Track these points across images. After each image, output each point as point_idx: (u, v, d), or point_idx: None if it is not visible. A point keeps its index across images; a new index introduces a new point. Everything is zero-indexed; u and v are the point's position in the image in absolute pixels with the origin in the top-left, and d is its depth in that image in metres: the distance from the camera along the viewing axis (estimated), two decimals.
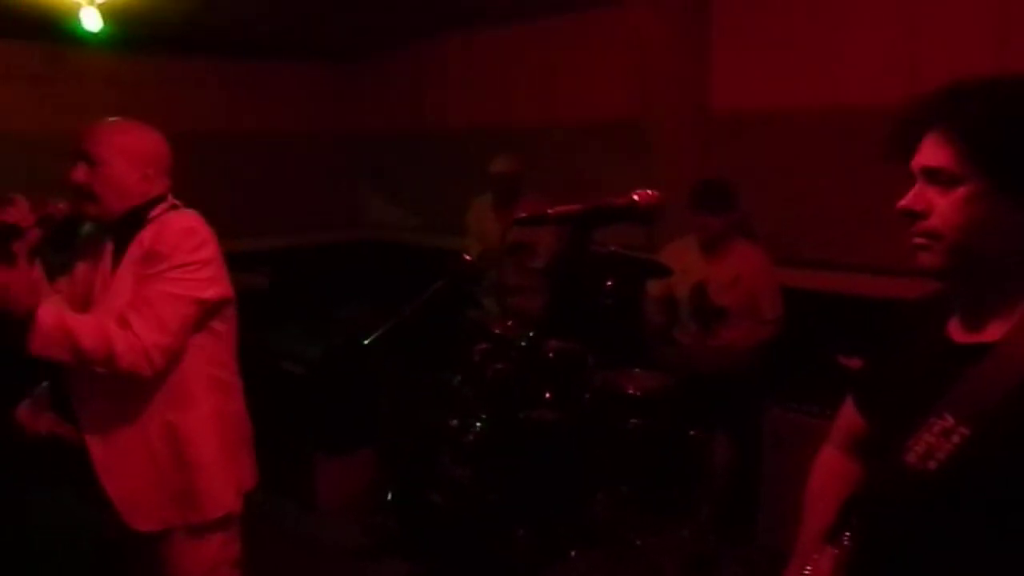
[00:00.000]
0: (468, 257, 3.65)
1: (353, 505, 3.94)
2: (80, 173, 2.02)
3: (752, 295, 3.54)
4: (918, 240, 1.21)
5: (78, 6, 4.12)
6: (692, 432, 3.42)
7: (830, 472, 1.54)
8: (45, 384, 2.18)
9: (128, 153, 2.05)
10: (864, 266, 3.66)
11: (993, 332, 1.21)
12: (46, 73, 5.01)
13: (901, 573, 1.23)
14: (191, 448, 2.07)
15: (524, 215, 1.32)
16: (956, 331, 1.28)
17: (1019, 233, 1.15)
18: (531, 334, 3.33)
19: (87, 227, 2.21)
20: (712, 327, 3.54)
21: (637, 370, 3.57)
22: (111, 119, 2.11)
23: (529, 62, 5.25)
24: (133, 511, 2.05)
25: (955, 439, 1.15)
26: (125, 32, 4.63)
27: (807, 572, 1.39)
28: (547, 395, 3.31)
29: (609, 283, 3.23)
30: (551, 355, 3.36)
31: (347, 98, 6.53)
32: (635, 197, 1.32)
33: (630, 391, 3.40)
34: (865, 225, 3.57)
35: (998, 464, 1.12)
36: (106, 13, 4.19)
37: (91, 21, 4.18)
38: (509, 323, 3.63)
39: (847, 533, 1.31)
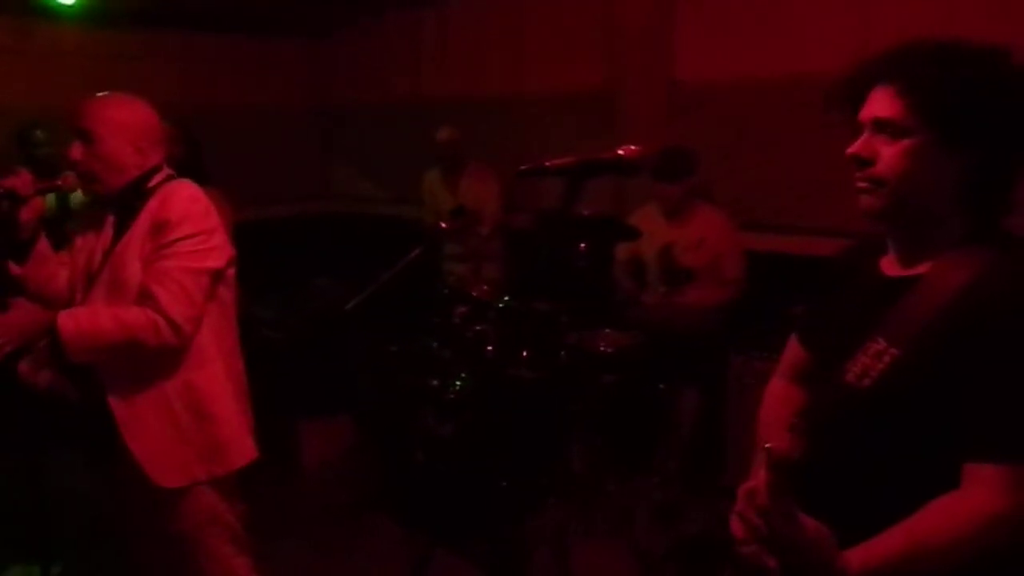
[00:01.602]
0: (444, 225, 3.80)
1: (336, 466, 4.06)
2: (76, 151, 2.07)
3: (716, 256, 3.71)
4: (862, 184, 1.32)
5: None
6: (661, 386, 3.59)
7: (778, 399, 1.66)
8: (44, 343, 2.28)
9: (122, 128, 2.09)
10: (819, 229, 3.79)
11: (923, 267, 1.33)
12: (15, 46, 4.97)
13: (840, 481, 1.32)
14: (210, 403, 2.15)
15: (526, 167, 1.46)
16: (889, 267, 1.40)
17: (952, 182, 1.28)
18: (507, 297, 3.49)
19: (73, 200, 2.26)
20: (679, 287, 3.72)
21: (609, 329, 3.72)
22: (101, 94, 2.15)
23: (500, 34, 5.33)
24: (157, 468, 2.10)
25: (886, 359, 1.28)
26: (96, 5, 4.62)
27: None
28: (524, 354, 3.45)
29: (582, 245, 3.37)
30: (527, 316, 3.49)
31: (320, 71, 6.54)
32: (620, 152, 1.46)
33: (602, 349, 3.55)
34: (821, 190, 3.74)
35: (923, 381, 1.24)
36: None
37: None
38: (485, 287, 3.76)
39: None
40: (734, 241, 3.77)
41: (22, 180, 2.09)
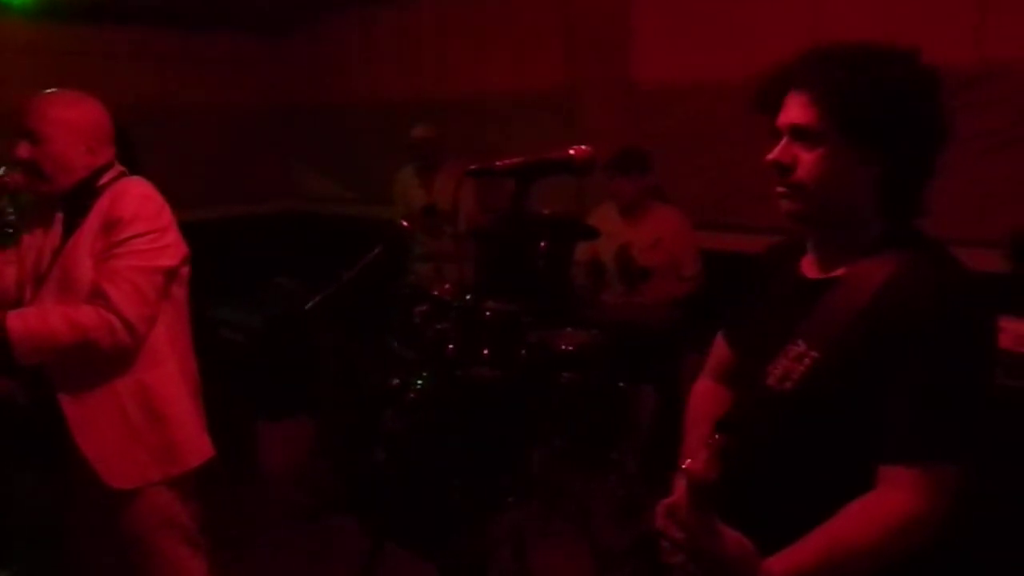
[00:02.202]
0: (406, 224, 3.78)
1: (296, 468, 4.03)
2: (23, 150, 2.03)
3: (672, 255, 3.77)
4: (781, 190, 1.34)
5: None
6: (620, 384, 3.62)
7: (704, 399, 1.68)
8: None
9: (70, 127, 2.05)
10: (775, 228, 3.87)
11: (841, 270, 1.35)
12: None
13: (762, 486, 1.33)
14: (163, 403, 2.13)
15: (473, 168, 1.47)
16: (809, 269, 1.42)
17: (868, 186, 1.30)
18: (467, 296, 3.49)
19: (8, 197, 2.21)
20: (636, 286, 3.77)
21: (569, 328, 3.75)
22: (49, 91, 2.10)
23: (460, 33, 5.34)
24: (110, 469, 2.08)
25: (807, 362, 1.30)
26: (51, 0, 4.53)
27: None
28: (484, 353, 3.45)
29: (542, 244, 3.39)
30: (487, 315, 3.50)
31: (278, 69, 6.49)
32: (571, 152, 1.47)
33: (562, 347, 3.57)
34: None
35: (842, 383, 1.26)
36: None
37: None
38: (447, 286, 3.76)
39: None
40: (691, 240, 3.82)
41: None
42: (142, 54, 5.65)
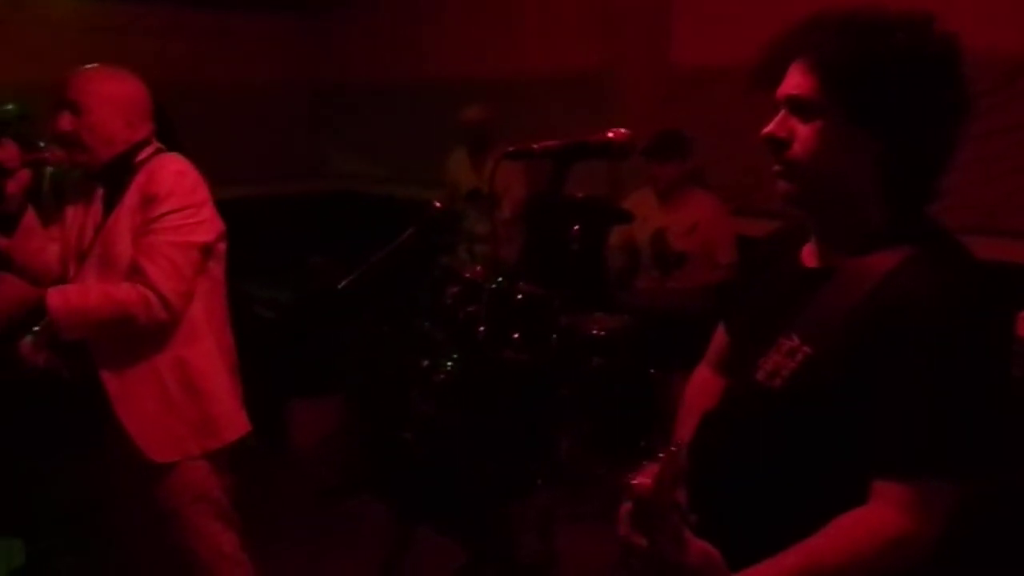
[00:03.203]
0: (439, 204, 3.76)
1: (326, 446, 4.07)
2: (65, 122, 2.05)
3: (708, 241, 3.71)
4: (777, 167, 1.23)
5: None
6: (651, 371, 3.59)
7: (700, 388, 1.58)
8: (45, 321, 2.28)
9: (111, 100, 2.08)
10: None
11: (840, 258, 1.23)
12: (5, 16, 4.92)
13: (739, 487, 1.24)
14: (201, 378, 2.15)
15: (511, 149, 1.44)
16: (808, 257, 1.31)
17: (869, 166, 1.17)
18: (500, 278, 3.47)
19: (47, 171, 2.24)
20: (671, 272, 3.72)
21: (600, 312, 3.72)
22: (91, 66, 2.13)
23: (498, 13, 5.30)
24: (150, 443, 2.11)
25: (799, 358, 1.19)
26: None
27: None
28: (515, 336, 3.44)
29: (576, 228, 3.36)
30: (519, 298, 3.48)
31: (317, 48, 6.49)
32: (610, 135, 1.43)
33: (594, 332, 3.55)
34: None
35: (834, 383, 1.15)
36: None
37: None
38: (478, 268, 3.75)
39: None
40: (727, 226, 3.76)
41: (8, 152, 2.08)
42: (176, 31, 5.68)
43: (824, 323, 1.18)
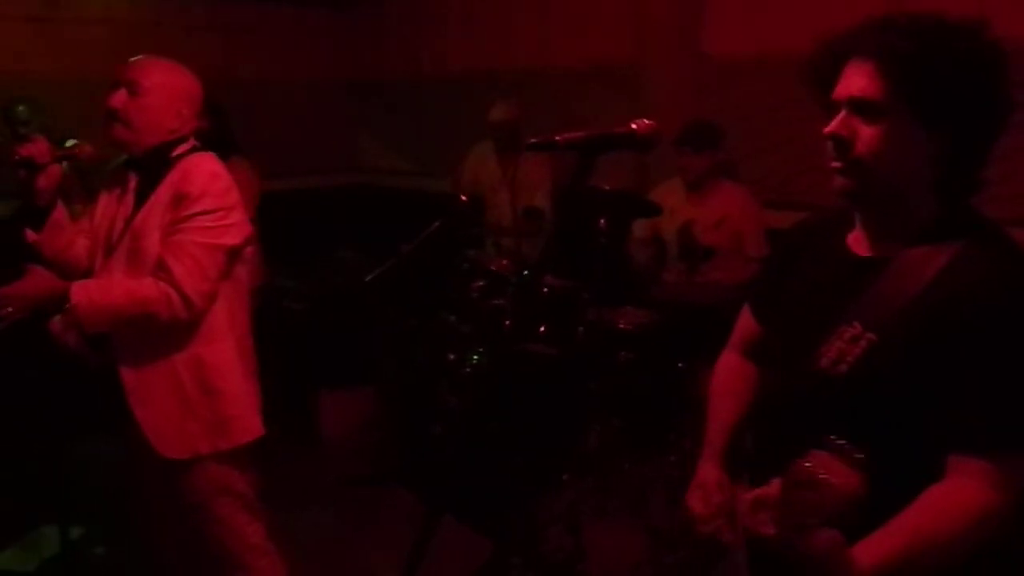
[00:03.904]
0: (465, 198, 3.75)
1: (355, 438, 4.10)
2: (119, 98, 2.09)
3: (737, 235, 3.65)
4: (837, 165, 1.30)
5: None
6: (680, 364, 3.56)
7: (730, 373, 1.68)
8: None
9: (168, 88, 2.13)
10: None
11: (893, 248, 1.31)
12: (44, 14, 5.00)
13: None
14: (218, 379, 2.17)
15: (535, 141, 1.42)
16: (858, 246, 1.38)
17: (926, 162, 1.26)
18: (526, 272, 3.47)
19: (66, 167, 2.26)
20: (698, 266, 3.67)
21: (628, 306, 3.69)
22: (154, 55, 2.18)
23: (526, 5, 5.27)
24: (161, 438, 2.14)
25: (863, 344, 1.26)
26: None
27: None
28: (542, 329, 3.43)
29: (602, 221, 3.33)
30: (546, 291, 3.47)
31: (345, 43, 6.50)
32: (634, 126, 1.41)
33: (621, 326, 3.51)
34: None
35: (900, 367, 1.23)
36: None
37: None
38: (504, 261, 3.74)
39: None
40: (757, 219, 3.69)
41: (39, 148, 2.12)
42: (211, 26, 5.71)
43: (886, 310, 1.25)
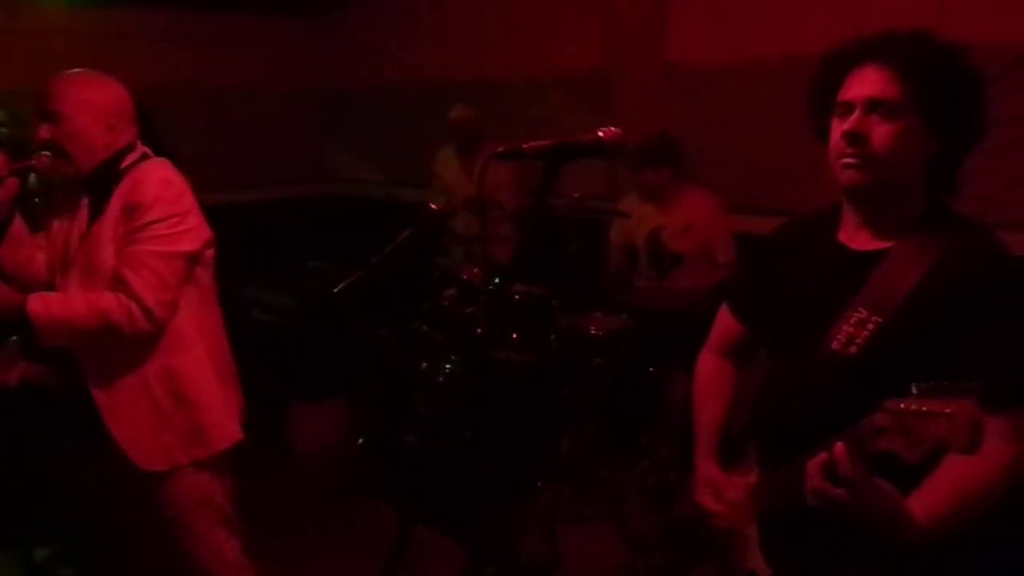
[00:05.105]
0: (434, 207, 3.75)
1: (328, 450, 4.06)
2: (45, 131, 2.02)
3: (705, 240, 3.68)
4: (850, 160, 1.39)
5: None
6: (651, 370, 3.58)
7: (712, 374, 1.79)
8: (14, 338, 2.23)
9: (89, 106, 2.04)
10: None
11: (887, 241, 1.45)
12: (5, 26, 4.92)
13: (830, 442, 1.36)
14: (191, 388, 2.14)
15: (501, 150, 1.43)
16: (851, 241, 1.50)
17: (924, 163, 1.41)
18: (497, 280, 3.47)
19: (31, 180, 2.22)
20: (668, 272, 3.69)
21: (599, 312, 3.71)
22: (68, 72, 2.09)
23: (495, 15, 5.29)
24: (140, 452, 2.10)
25: (870, 326, 1.40)
26: None
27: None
28: (514, 337, 3.43)
29: (572, 229, 3.35)
30: (517, 299, 3.47)
31: (313, 52, 6.48)
32: (600, 134, 1.44)
33: (593, 332, 3.54)
34: (818, 174, 3.71)
35: (910, 342, 1.36)
36: None
37: None
38: (475, 270, 3.73)
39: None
40: (724, 224, 3.73)
41: None
42: (177, 36, 5.67)
43: (890, 295, 1.39)
